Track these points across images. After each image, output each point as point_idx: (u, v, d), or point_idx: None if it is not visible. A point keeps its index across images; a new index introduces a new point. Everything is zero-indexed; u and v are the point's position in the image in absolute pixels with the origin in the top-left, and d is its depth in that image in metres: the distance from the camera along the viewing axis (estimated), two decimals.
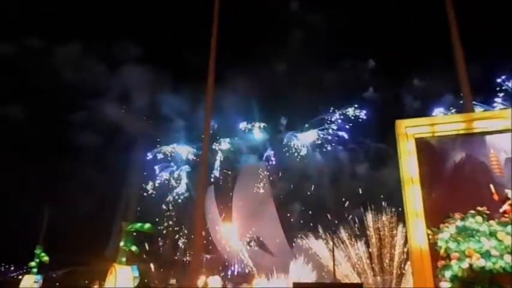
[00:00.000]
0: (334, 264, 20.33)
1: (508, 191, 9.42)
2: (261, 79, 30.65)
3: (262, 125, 31.75)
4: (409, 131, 10.70)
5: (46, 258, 22.00)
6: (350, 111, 29.54)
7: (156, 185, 31.76)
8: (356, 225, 29.30)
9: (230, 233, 30.82)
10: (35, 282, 21.20)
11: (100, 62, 29.20)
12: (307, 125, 31.13)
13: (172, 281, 29.26)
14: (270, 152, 30.91)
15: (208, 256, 30.81)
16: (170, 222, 31.58)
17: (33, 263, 21.56)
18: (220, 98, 29.79)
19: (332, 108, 30.12)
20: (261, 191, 30.57)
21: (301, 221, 30.74)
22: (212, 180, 31.73)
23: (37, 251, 21.88)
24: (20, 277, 23.84)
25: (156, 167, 31.12)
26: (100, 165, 29.39)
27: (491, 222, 9.11)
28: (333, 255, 20.96)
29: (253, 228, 29.60)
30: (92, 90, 29.20)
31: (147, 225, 19.22)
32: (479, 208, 9.25)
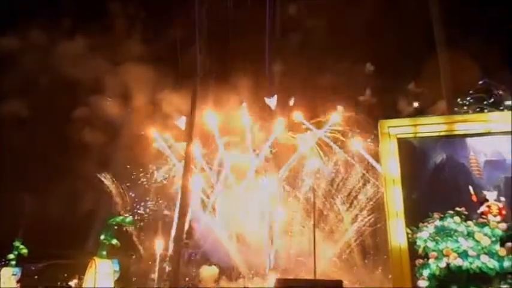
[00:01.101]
0: (314, 256, 20.35)
1: (486, 192, 9.63)
2: (259, 78, 30.55)
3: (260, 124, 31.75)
4: (392, 131, 10.81)
5: (25, 251, 21.71)
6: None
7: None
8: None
9: (214, 226, 30.91)
10: (14, 274, 20.92)
11: (102, 59, 28.71)
12: (304, 126, 31.21)
13: (153, 276, 29.18)
14: (267, 150, 30.97)
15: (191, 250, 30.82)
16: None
17: (11, 256, 21.28)
18: (220, 95, 29.89)
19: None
20: (248, 185, 30.71)
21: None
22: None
23: (16, 244, 21.60)
24: None
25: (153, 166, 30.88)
26: (90, 161, 29.03)
27: (469, 222, 9.29)
28: (314, 250, 21.04)
29: (236, 223, 29.71)
30: (94, 87, 28.76)
31: (129, 219, 19.14)
32: (457, 209, 9.43)
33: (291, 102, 30.96)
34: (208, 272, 26.43)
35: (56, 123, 30.39)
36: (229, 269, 28.53)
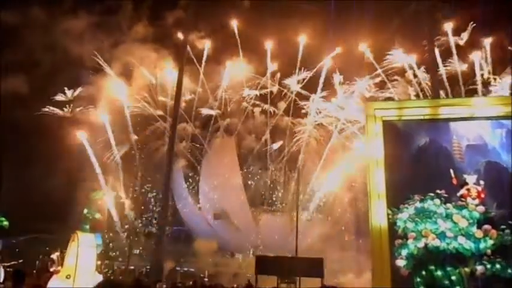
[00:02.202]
0: (296, 236, 20.67)
1: (466, 176, 9.82)
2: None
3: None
4: (378, 113, 10.88)
5: (6, 223, 21.49)
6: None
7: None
8: None
9: (198, 205, 31.01)
10: None
11: (103, 37, 27.94)
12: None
13: (136, 251, 29.33)
14: (267, 135, 30.83)
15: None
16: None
17: None
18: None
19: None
20: (229, 165, 30.73)
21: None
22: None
23: None
24: None
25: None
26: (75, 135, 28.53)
27: (448, 205, 9.50)
28: (297, 228, 21.35)
29: (219, 202, 29.82)
30: (94, 65, 28.11)
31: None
32: (438, 191, 9.62)
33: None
34: (205, 245, 26.48)
35: (45, 100, 29.71)
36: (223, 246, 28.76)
